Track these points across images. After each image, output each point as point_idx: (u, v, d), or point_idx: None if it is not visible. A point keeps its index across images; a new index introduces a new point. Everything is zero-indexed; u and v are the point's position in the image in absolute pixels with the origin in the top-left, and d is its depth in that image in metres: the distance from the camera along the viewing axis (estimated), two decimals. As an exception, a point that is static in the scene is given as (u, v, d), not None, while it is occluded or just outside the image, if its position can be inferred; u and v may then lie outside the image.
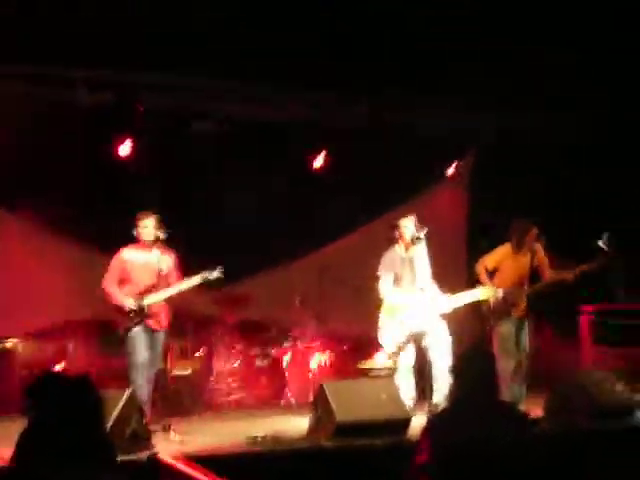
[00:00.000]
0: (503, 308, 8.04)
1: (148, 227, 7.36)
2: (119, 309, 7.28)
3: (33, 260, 9.39)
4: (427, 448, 3.89)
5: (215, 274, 7.39)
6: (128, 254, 7.47)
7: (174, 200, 8.98)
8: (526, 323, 8.17)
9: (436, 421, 4.14)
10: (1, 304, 9.22)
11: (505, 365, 7.75)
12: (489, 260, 8.20)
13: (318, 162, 10.58)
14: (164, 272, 7.37)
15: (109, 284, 7.39)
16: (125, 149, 9.60)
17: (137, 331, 7.22)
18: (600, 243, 7.95)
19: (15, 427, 3.70)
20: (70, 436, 3.49)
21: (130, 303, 7.22)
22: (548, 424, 6.69)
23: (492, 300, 8.00)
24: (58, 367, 9.46)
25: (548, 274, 8.17)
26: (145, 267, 7.37)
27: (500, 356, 7.71)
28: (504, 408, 4.06)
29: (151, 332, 7.29)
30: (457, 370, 4.09)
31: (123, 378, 8.85)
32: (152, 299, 7.26)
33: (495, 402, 4.01)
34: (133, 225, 7.42)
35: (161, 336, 7.42)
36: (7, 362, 9.69)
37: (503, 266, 8.18)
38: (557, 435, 6.36)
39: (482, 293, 7.87)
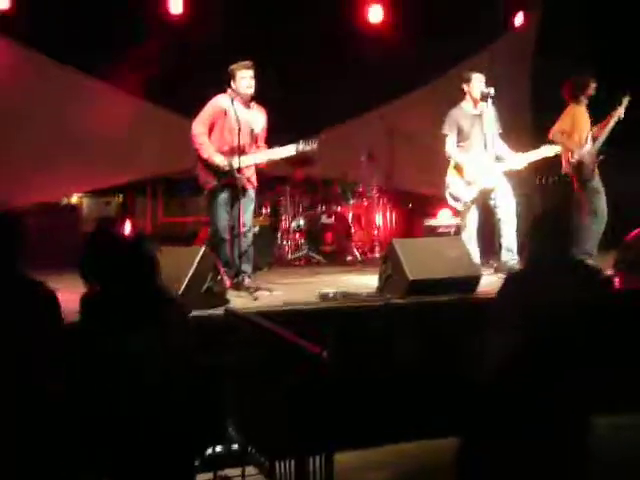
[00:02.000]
0: (592, 164, 8.01)
1: (248, 78, 6.88)
2: (206, 166, 6.90)
3: (103, 116, 9.39)
4: (505, 303, 3.94)
5: (311, 146, 6.97)
6: (227, 103, 6.86)
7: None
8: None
9: (511, 279, 4.18)
10: (68, 160, 9.30)
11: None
12: (564, 124, 8.09)
13: (376, 16, 10.30)
14: (257, 132, 7.03)
15: (201, 133, 6.87)
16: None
17: (224, 193, 6.91)
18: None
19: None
20: (121, 293, 3.60)
21: (221, 161, 6.80)
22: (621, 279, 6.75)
23: (583, 157, 7.96)
24: (124, 224, 9.63)
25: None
26: (242, 123, 6.82)
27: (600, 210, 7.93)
28: (580, 266, 4.05)
29: (237, 193, 6.87)
30: (535, 228, 4.08)
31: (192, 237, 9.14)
32: (245, 162, 6.86)
33: (571, 259, 4.02)
34: (230, 77, 6.92)
35: (251, 195, 7.10)
36: (73, 217, 9.94)
37: (577, 126, 8.08)
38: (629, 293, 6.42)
39: (549, 150, 7.73)
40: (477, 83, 7.68)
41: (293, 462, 3.95)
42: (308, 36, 9.90)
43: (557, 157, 8.00)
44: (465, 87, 7.76)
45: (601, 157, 8.03)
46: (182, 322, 3.83)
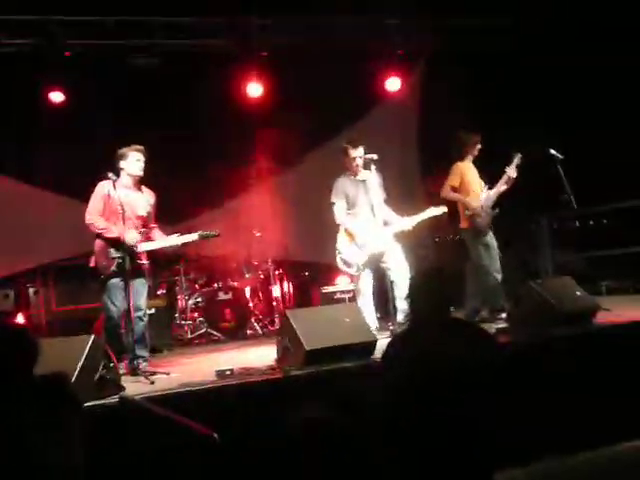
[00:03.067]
0: (484, 220, 8.12)
1: (140, 160, 6.92)
2: (101, 251, 6.86)
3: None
4: (384, 365, 3.94)
5: (212, 234, 7.02)
6: (112, 189, 6.80)
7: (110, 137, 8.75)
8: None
9: (395, 340, 4.18)
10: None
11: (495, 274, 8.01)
12: (453, 181, 8.22)
13: (254, 90, 10.44)
14: (145, 214, 7.02)
15: (97, 219, 6.82)
16: (58, 96, 9.53)
17: (118, 278, 6.80)
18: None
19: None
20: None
21: (133, 238, 6.78)
22: (512, 335, 6.84)
23: (474, 215, 8.09)
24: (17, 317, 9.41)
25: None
26: (131, 205, 6.91)
27: (489, 267, 8.03)
28: (460, 325, 4.07)
29: (134, 275, 6.82)
30: (411, 290, 4.11)
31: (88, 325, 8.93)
32: (146, 247, 6.91)
33: (452, 320, 4.04)
34: (117, 160, 6.93)
35: (144, 278, 7.05)
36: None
37: (467, 181, 8.23)
38: (519, 344, 6.51)
39: (436, 210, 7.86)
40: (358, 151, 7.77)
41: None
42: (192, 115, 9.98)
43: (454, 215, 8.15)
44: (345, 158, 7.85)
45: (495, 211, 8.15)
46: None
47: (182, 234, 7.10)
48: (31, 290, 10.58)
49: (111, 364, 6.00)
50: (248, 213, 10.15)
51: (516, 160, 8.07)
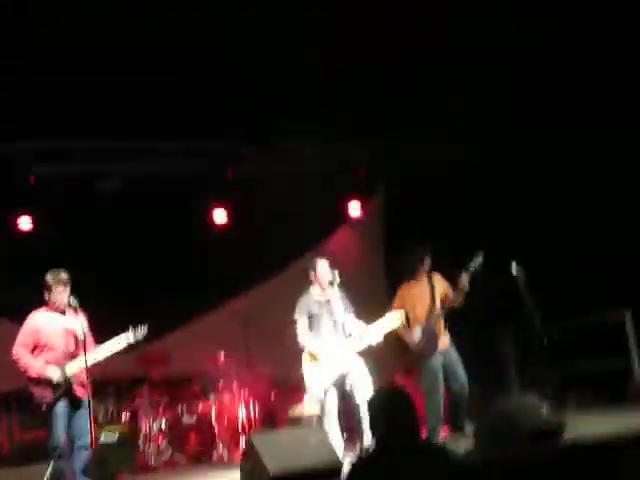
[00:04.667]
0: (427, 343, 8.14)
1: (64, 293, 6.90)
2: (38, 381, 6.75)
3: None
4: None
5: (141, 332, 7.04)
6: (41, 319, 6.93)
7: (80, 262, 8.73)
8: (452, 352, 8.27)
9: (356, 467, 4.11)
10: None
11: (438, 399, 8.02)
12: (396, 302, 8.35)
13: (218, 217, 10.57)
14: (82, 336, 6.83)
15: (23, 354, 6.81)
16: (26, 224, 9.60)
17: (61, 406, 6.73)
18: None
19: None
20: None
21: (55, 373, 6.73)
22: (478, 455, 6.75)
23: (414, 338, 8.14)
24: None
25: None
26: (62, 332, 6.89)
27: (431, 392, 8.03)
28: (425, 449, 4.02)
29: (76, 402, 6.79)
30: (370, 413, 4.06)
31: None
32: (75, 367, 6.77)
33: (414, 444, 3.96)
34: (44, 288, 6.93)
35: (86, 404, 6.80)
36: None
37: (408, 301, 8.30)
38: (487, 465, 6.42)
39: (391, 319, 7.86)
40: (321, 269, 7.83)
41: None
42: (158, 241, 10.04)
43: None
44: (312, 274, 7.91)
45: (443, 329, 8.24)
46: None
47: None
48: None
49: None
50: (213, 334, 10.09)
51: (475, 261, 8.08)
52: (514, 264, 7.99)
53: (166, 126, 9.42)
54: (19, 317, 7.33)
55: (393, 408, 3.92)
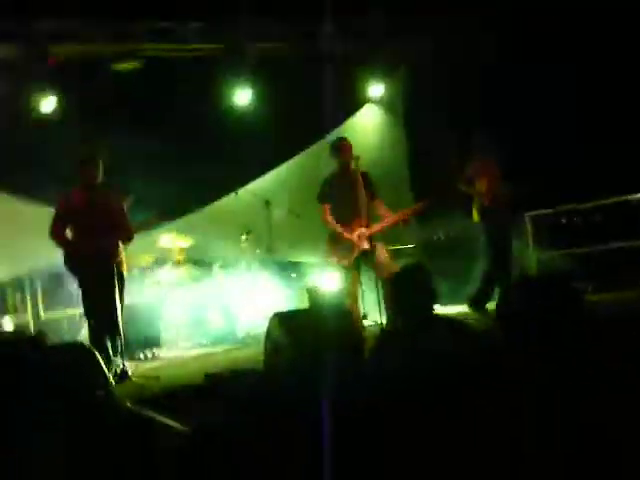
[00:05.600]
0: (494, 215, 8.37)
1: (93, 170, 7.03)
2: (74, 256, 6.95)
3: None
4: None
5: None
6: (74, 198, 7.10)
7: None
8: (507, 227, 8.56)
9: (378, 339, 4.20)
10: None
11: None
12: (468, 172, 8.55)
13: (242, 96, 10.49)
14: (115, 211, 7.04)
15: (59, 233, 7.01)
16: (49, 104, 9.51)
17: (95, 280, 6.87)
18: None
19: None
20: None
21: (89, 247, 6.86)
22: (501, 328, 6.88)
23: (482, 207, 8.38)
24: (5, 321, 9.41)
25: None
26: (94, 209, 7.01)
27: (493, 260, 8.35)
28: (444, 322, 4.09)
29: (111, 276, 6.86)
30: (393, 288, 4.11)
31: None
32: (108, 240, 6.93)
33: (434, 318, 4.03)
34: (77, 170, 7.08)
35: (119, 277, 6.99)
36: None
37: (479, 176, 8.48)
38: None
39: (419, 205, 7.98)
40: (344, 150, 7.82)
41: None
42: (176, 119, 9.97)
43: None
44: (333, 155, 7.90)
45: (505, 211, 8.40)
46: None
47: None
48: (17, 297, 10.58)
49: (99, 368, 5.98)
50: (235, 215, 10.13)
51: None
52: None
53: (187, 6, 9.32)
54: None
55: (414, 283, 3.98)
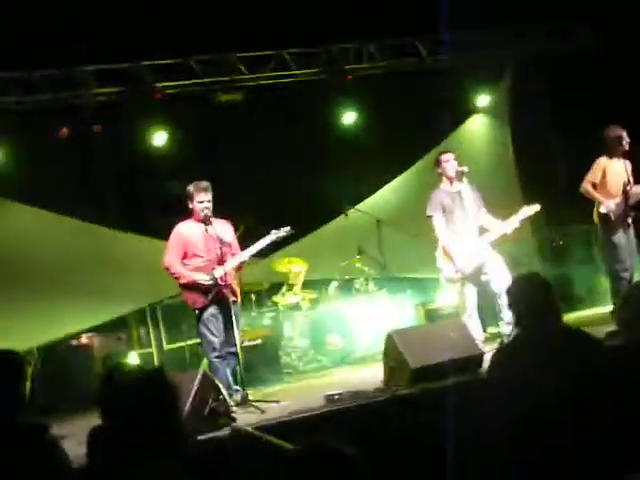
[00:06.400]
0: (616, 218, 8.04)
1: (205, 202, 7.01)
2: (190, 287, 7.01)
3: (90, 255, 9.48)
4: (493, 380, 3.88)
5: (284, 231, 7.19)
6: (187, 229, 7.13)
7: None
8: (630, 229, 8.18)
9: (497, 355, 4.10)
10: (71, 299, 9.35)
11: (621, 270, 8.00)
12: (591, 176, 8.15)
13: (347, 116, 10.55)
14: (227, 242, 7.02)
15: (173, 263, 7.05)
16: (161, 139, 9.77)
17: (212, 309, 6.95)
18: None
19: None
20: (142, 430, 3.56)
21: (203, 277, 6.92)
22: (623, 336, 6.63)
23: (609, 211, 8.01)
24: (131, 357, 9.63)
25: None
26: (208, 239, 7.01)
27: (614, 264, 8.05)
28: (569, 336, 3.95)
29: (225, 306, 6.93)
30: (511, 302, 4.01)
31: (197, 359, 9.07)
32: (222, 270, 6.91)
33: (557, 330, 3.91)
34: (186, 198, 7.09)
35: (235, 308, 7.01)
36: (85, 357, 9.91)
37: (607, 179, 8.13)
38: (632, 347, 6.31)
39: (530, 210, 7.83)
40: (449, 162, 7.78)
41: None
42: (283, 145, 10.11)
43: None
44: (438, 170, 7.86)
45: (631, 214, 8.10)
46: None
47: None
48: (142, 330, 10.86)
49: (220, 396, 6.08)
50: (346, 237, 10.16)
51: None
52: None
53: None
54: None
55: (534, 294, 3.88)
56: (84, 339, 10.16)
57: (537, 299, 3.86)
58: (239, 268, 7.26)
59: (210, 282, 6.93)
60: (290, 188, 10.14)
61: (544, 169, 10.36)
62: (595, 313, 8.97)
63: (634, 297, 6.87)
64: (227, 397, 6.25)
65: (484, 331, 8.00)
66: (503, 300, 7.50)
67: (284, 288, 9.89)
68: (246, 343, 9.01)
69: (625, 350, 6.21)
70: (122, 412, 3.61)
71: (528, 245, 10.56)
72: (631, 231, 8.16)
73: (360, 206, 10.36)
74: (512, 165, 11.25)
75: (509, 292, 4.05)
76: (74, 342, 10.11)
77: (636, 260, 8.16)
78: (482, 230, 7.74)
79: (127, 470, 3.41)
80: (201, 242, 7.05)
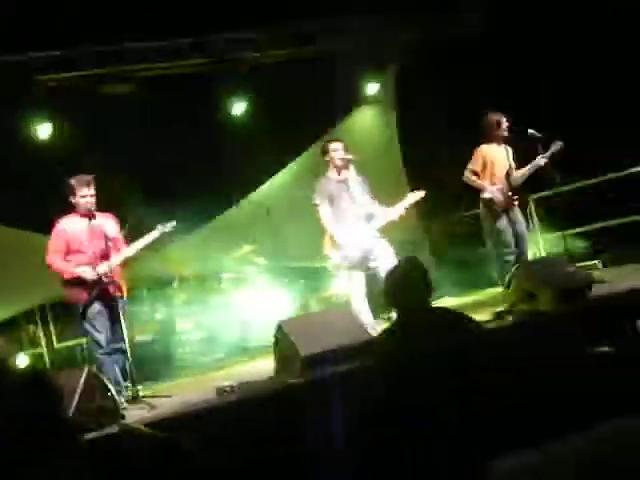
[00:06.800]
0: (500, 203, 8.14)
1: (88, 196, 6.86)
2: (73, 283, 6.83)
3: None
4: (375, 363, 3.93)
5: (170, 226, 7.07)
6: (69, 224, 6.95)
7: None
8: (516, 211, 8.28)
9: (381, 337, 4.16)
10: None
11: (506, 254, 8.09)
12: (472, 164, 8.23)
13: (237, 107, 10.49)
14: (111, 237, 6.90)
15: (55, 259, 6.86)
16: (46, 131, 9.52)
17: (97, 305, 6.81)
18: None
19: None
20: (31, 431, 3.49)
21: (87, 273, 6.76)
22: (511, 312, 6.84)
23: (493, 195, 8.10)
24: (20, 358, 9.42)
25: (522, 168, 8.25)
26: (91, 234, 6.87)
27: (500, 248, 8.15)
28: (441, 316, 4.02)
29: (111, 302, 6.83)
30: (390, 284, 4.06)
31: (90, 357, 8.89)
32: (107, 266, 6.79)
33: (429, 312, 3.98)
34: (69, 193, 6.91)
35: (121, 303, 6.88)
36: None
37: (486, 165, 8.21)
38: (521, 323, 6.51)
39: (415, 196, 7.89)
40: (337, 151, 7.79)
41: None
42: (173, 136, 9.98)
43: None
44: (326, 158, 7.87)
45: (515, 198, 8.18)
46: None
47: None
48: (31, 329, 10.63)
49: (109, 394, 5.98)
50: (237, 229, 10.11)
51: (553, 148, 7.99)
52: (529, 129, 7.98)
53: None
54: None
55: (410, 277, 3.93)
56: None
57: (413, 282, 3.91)
58: (124, 264, 7.13)
59: (94, 277, 6.78)
60: (181, 180, 10.00)
61: (431, 155, 10.47)
62: (487, 294, 9.16)
63: (520, 275, 7.12)
64: (115, 394, 6.15)
65: (376, 317, 8.03)
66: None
67: (175, 282, 9.80)
68: (138, 339, 8.93)
69: (500, 333, 6.45)
70: (8, 415, 3.54)
71: (415, 232, 10.71)
72: (518, 214, 8.27)
73: (252, 196, 10.32)
74: (398, 152, 11.37)
75: (387, 275, 4.10)
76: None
77: (526, 240, 8.31)
78: (369, 218, 7.78)
79: (22, 470, 3.35)
80: (85, 237, 6.88)
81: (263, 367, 7.35)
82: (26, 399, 3.62)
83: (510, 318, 6.82)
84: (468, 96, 10.04)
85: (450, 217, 11.38)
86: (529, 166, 8.15)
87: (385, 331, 4.17)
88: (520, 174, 8.21)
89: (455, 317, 4.00)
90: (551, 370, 6.01)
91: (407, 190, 8.54)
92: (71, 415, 5.43)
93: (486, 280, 9.44)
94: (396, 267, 4.14)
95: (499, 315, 6.96)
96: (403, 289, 3.89)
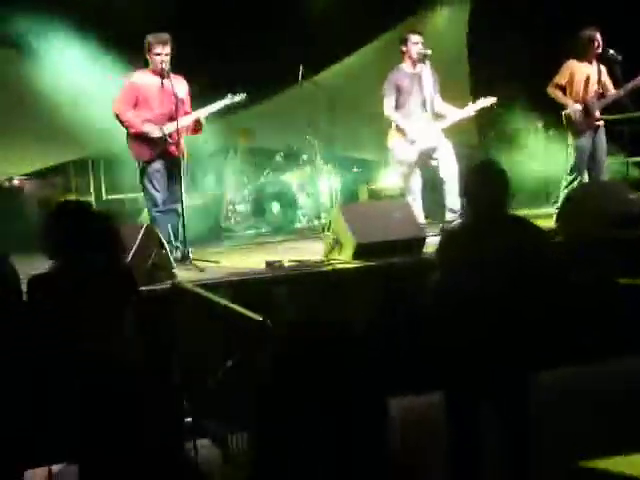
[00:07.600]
0: (582, 121, 7.92)
1: (163, 55, 6.75)
2: (137, 138, 6.83)
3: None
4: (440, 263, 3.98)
5: (240, 96, 7.01)
6: (141, 79, 6.88)
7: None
8: (601, 136, 8.05)
9: (448, 237, 4.18)
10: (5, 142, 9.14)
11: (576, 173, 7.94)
12: (558, 78, 7.97)
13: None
14: (181, 98, 6.84)
15: (124, 111, 6.80)
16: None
17: (158, 164, 6.84)
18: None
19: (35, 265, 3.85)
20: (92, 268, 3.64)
21: (153, 130, 6.78)
22: (561, 232, 6.81)
23: (574, 113, 7.87)
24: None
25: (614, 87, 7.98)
26: (162, 92, 6.81)
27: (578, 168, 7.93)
28: (515, 222, 4.02)
29: (172, 162, 6.84)
30: (465, 187, 4.05)
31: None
32: (173, 126, 6.78)
33: (505, 217, 3.97)
34: (144, 50, 6.84)
35: (181, 164, 6.84)
36: (17, 200, 9.78)
37: (574, 81, 7.95)
38: (569, 243, 6.50)
39: (485, 101, 7.77)
40: (415, 43, 7.67)
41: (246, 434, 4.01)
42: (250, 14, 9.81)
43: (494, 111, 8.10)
44: (403, 48, 7.76)
45: (599, 120, 7.95)
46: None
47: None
48: (81, 180, 10.75)
49: (163, 251, 6.08)
50: (298, 108, 10.00)
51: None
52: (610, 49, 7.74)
53: None
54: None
55: (491, 180, 3.92)
56: (16, 181, 10.04)
57: (493, 185, 3.90)
58: (195, 130, 7.11)
59: (159, 136, 6.80)
60: (245, 51, 9.85)
61: (499, 68, 10.24)
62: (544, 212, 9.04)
63: (579, 197, 7.09)
64: (169, 252, 6.26)
65: (426, 217, 8.04)
66: (448, 187, 7.60)
67: (230, 153, 9.82)
68: (188, 203, 8.98)
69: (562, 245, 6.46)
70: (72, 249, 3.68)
71: (471, 136, 10.56)
72: (602, 138, 8.01)
73: (317, 78, 10.17)
74: (465, 59, 11.13)
75: (467, 176, 4.09)
76: (5, 183, 9.97)
77: (603, 169, 8.12)
78: (438, 116, 7.72)
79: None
80: (155, 95, 6.85)
81: (310, 247, 7.42)
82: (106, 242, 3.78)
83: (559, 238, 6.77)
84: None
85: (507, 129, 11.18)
86: (621, 89, 7.87)
87: (455, 232, 4.21)
88: (606, 99, 7.94)
89: (525, 222, 4.01)
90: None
91: (469, 98, 8.40)
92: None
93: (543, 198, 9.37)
94: (479, 166, 4.10)
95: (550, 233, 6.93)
96: (484, 190, 3.88)
